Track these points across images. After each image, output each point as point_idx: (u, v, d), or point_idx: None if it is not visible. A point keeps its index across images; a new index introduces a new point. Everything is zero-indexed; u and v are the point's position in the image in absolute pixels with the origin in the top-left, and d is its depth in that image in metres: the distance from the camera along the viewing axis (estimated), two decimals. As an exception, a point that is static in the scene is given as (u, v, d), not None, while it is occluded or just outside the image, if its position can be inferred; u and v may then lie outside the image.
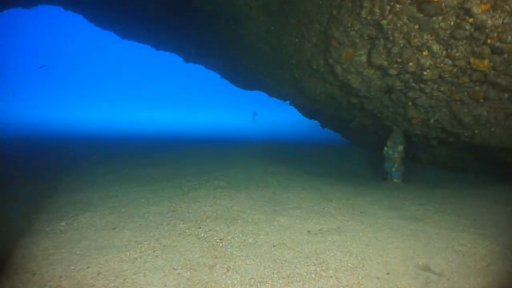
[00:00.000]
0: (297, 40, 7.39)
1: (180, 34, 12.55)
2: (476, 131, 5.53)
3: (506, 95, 4.87)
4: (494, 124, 5.32)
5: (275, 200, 5.03)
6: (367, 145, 10.14)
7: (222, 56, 11.57)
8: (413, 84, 5.51)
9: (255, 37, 8.73)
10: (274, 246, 3.39)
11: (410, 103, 6.06)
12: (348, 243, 3.46)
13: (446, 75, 4.96)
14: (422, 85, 5.40)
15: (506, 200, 5.06)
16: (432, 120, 5.96)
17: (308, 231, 3.76)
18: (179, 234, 3.61)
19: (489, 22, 3.90)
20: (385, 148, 7.07)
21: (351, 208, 4.78)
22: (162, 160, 8.19)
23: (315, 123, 13.18)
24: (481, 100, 5.18)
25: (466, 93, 5.22)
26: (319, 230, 3.81)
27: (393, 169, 6.96)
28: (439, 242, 3.51)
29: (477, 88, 5.05)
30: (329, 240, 3.52)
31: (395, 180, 6.96)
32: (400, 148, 6.97)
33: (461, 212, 4.57)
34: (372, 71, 5.86)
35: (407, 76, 5.39)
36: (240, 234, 3.63)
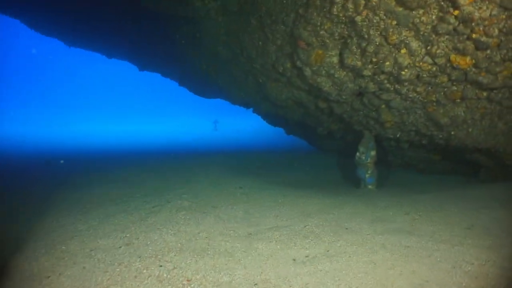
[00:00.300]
0: (260, 42, 6.84)
1: (132, 40, 11.60)
2: (452, 133, 5.25)
3: (485, 94, 4.61)
4: (470, 125, 5.06)
5: (249, 220, 4.38)
6: (334, 151, 9.80)
7: (179, 62, 10.79)
8: (387, 85, 5.13)
9: (214, 40, 8.08)
10: (256, 284, 2.73)
11: (383, 106, 5.69)
12: (344, 272, 2.89)
13: (424, 75, 4.61)
14: (397, 86, 5.03)
15: (489, 204, 4.80)
16: (406, 123, 5.64)
17: (294, 260, 3.15)
18: (135, 276, 2.85)
19: (476, 14, 3.56)
20: (357, 154, 6.68)
21: (335, 223, 4.24)
22: (116, 178, 7.24)
23: (279, 130, 12.76)
24: (458, 100, 4.90)
25: (442, 93, 4.91)
26: (306, 257, 3.21)
27: (367, 175, 6.58)
28: (443, 262, 3.04)
29: (455, 87, 4.76)
30: (320, 270, 2.93)
31: (370, 186, 6.58)
32: (373, 153, 6.61)
33: (451, 220, 4.19)
34: (344, 73, 5.43)
35: (383, 77, 5.00)
36: (212, 271, 2.94)
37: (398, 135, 6.16)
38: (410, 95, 5.10)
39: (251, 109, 11.16)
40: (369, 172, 6.58)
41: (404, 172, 8.11)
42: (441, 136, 5.47)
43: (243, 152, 12.92)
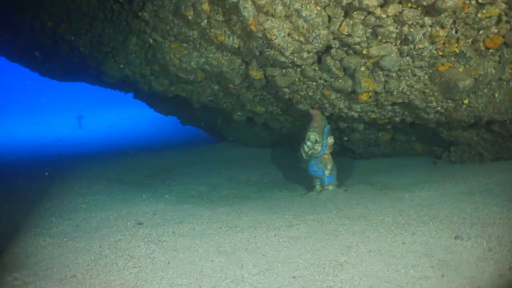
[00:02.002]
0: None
1: None
2: (465, 101, 3.46)
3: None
4: (496, 88, 3.33)
5: None
6: (256, 143, 7.45)
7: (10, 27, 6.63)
8: (390, 28, 2.97)
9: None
10: None
11: (362, 68, 3.54)
12: None
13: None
14: (410, 30, 2.91)
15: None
16: (394, 93, 3.62)
17: None
18: None
19: None
20: (307, 144, 4.45)
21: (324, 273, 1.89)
22: None
23: (171, 120, 9.71)
24: (491, 51, 3.08)
25: (471, 40, 3.01)
26: None
27: (326, 172, 4.43)
28: None
29: (495, 29, 2.89)
30: None
31: (330, 187, 4.45)
32: (331, 140, 4.47)
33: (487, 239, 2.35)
34: (318, 9, 3.05)
35: (393, 9, 2.80)
36: None
37: (371, 114, 4.16)
38: (421, 46, 3.06)
39: (131, 94, 7.86)
40: (328, 167, 4.43)
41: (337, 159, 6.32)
42: (442, 108, 3.64)
43: (123, 153, 9.40)
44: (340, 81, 3.80)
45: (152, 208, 3.85)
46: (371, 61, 3.46)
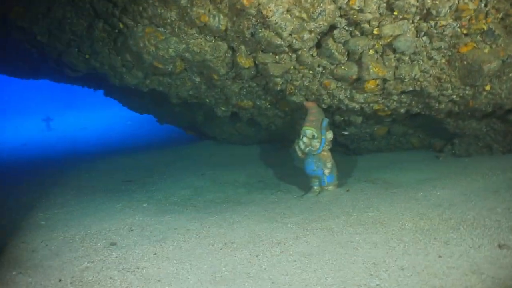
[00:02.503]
0: None
1: None
2: (487, 87, 3.02)
3: None
4: (522, 71, 2.92)
5: None
6: (241, 140, 6.84)
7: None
8: (401, 1, 2.47)
9: None
10: None
11: (371, 52, 3.04)
12: None
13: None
14: (434, 1, 2.42)
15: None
16: (404, 79, 3.13)
17: None
18: None
19: None
20: (303, 140, 3.92)
21: None
22: None
23: (148, 120, 8.96)
24: (522, 27, 2.65)
25: (501, 15, 2.57)
26: None
27: (326, 171, 3.91)
28: None
29: (530, -1, 2.46)
30: None
31: (330, 187, 3.95)
32: (330, 136, 3.97)
33: None
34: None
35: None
36: None
37: (374, 105, 3.67)
38: (443, 22, 2.58)
39: (101, 91, 7.06)
40: (328, 166, 3.92)
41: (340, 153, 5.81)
42: (457, 96, 3.20)
43: (97, 156, 8.54)
44: (343, 67, 3.29)
45: (128, 222, 3.20)
46: (380, 43, 2.96)
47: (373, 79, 3.14)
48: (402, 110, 3.79)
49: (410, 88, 3.25)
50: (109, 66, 4.57)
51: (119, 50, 4.24)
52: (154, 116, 7.65)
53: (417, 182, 3.76)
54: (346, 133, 4.75)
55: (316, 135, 3.88)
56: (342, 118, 4.57)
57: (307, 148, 3.92)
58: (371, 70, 3.04)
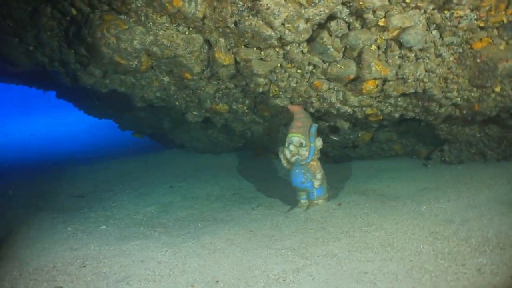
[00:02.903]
0: None
1: None
2: (496, 89, 2.72)
3: None
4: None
5: None
6: (212, 148, 6.23)
7: None
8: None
9: None
10: None
11: (373, 47, 2.63)
12: None
13: None
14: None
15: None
16: (408, 79, 2.77)
17: None
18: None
19: None
20: (290, 149, 3.42)
21: None
22: None
23: (109, 126, 8.13)
24: (543, 21, 2.36)
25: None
26: None
27: (315, 183, 3.45)
28: None
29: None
30: None
31: (320, 201, 3.49)
32: (319, 143, 3.52)
33: None
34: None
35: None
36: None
37: (367, 109, 3.27)
38: (461, 12, 2.23)
39: (53, 92, 6.15)
40: (317, 177, 3.45)
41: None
42: (461, 99, 2.89)
43: (47, 167, 7.48)
44: (338, 65, 2.86)
45: (80, 254, 2.51)
46: (383, 37, 2.57)
47: (374, 78, 2.74)
48: (396, 115, 3.44)
49: (412, 90, 2.90)
50: (59, 61, 3.82)
51: (72, 42, 3.52)
52: (115, 121, 6.86)
53: (414, 193, 3.41)
54: (335, 138, 4.35)
55: (304, 142, 3.40)
56: (328, 124, 4.16)
57: (294, 158, 3.43)
58: (373, 68, 2.63)
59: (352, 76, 2.84)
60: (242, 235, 2.90)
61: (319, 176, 3.44)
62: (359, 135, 4.78)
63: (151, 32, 3.10)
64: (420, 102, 3.11)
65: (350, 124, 4.03)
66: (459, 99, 2.88)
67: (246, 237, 2.82)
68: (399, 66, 2.71)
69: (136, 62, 3.43)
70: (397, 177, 4.11)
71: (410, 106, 3.26)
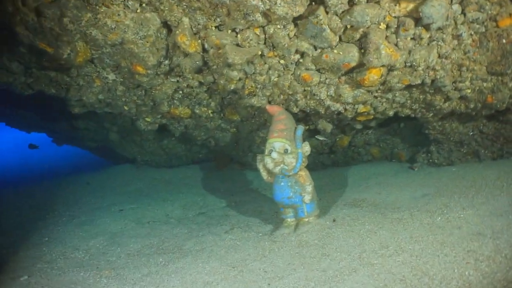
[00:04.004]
0: None
1: None
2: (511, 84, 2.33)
3: None
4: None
5: None
6: (166, 162, 5.32)
7: None
8: None
9: None
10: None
11: (382, 26, 2.09)
12: None
13: None
14: None
15: None
16: (417, 67, 2.28)
17: None
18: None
19: None
20: (273, 157, 2.75)
21: None
22: None
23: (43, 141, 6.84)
24: None
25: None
26: None
27: (306, 197, 2.80)
28: None
29: None
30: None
31: (311, 219, 2.84)
32: (307, 148, 2.88)
33: None
34: None
35: None
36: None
37: (360, 106, 2.74)
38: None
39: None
40: (308, 190, 2.80)
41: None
42: (472, 90, 2.46)
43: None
44: (335, 51, 2.29)
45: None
46: (393, 14, 2.05)
47: (382, 66, 2.20)
48: (391, 113, 2.96)
49: (418, 81, 2.41)
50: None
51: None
52: (48, 134, 5.67)
53: (414, 201, 2.92)
54: (321, 138, 3.78)
55: (289, 148, 2.74)
56: (307, 127, 3.59)
57: (278, 168, 2.76)
58: (383, 52, 2.08)
59: (352, 64, 2.28)
60: (223, 274, 2.15)
61: (309, 188, 2.79)
62: (337, 139, 4.29)
63: (88, 8, 2.27)
64: (422, 96, 2.65)
65: (333, 126, 3.49)
66: (469, 90, 2.46)
67: (230, 278, 2.07)
68: (409, 52, 2.21)
69: (68, 51, 2.54)
70: (384, 183, 3.62)
71: (408, 101, 2.79)
